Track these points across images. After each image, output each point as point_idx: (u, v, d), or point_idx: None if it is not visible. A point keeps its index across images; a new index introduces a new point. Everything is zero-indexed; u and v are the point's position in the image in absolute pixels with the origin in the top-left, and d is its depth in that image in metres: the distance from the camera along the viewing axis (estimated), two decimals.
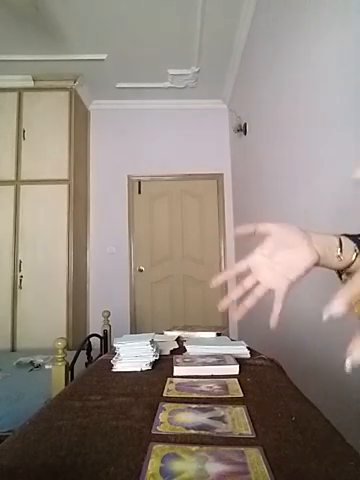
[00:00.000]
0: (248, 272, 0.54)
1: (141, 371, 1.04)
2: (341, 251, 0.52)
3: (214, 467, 0.51)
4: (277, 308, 0.52)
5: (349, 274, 0.55)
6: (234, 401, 0.77)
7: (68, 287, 3.22)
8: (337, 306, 0.36)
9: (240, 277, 0.56)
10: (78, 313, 3.40)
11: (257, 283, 0.54)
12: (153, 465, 0.51)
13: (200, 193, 4.02)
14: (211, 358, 1.07)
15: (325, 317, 0.36)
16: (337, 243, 0.53)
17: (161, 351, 1.20)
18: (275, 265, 0.53)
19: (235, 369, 0.99)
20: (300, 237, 0.52)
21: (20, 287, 3.19)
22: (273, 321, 0.52)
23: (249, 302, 0.54)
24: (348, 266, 0.53)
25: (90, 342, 2.09)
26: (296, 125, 1.87)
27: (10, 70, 3.31)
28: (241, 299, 0.54)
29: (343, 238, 0.54)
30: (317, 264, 0.53)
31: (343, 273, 0.56)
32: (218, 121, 4.04)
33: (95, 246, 3.87)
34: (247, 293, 0.54)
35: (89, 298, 3.79)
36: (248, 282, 0.54)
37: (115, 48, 3.13)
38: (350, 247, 0.53)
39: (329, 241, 0.53)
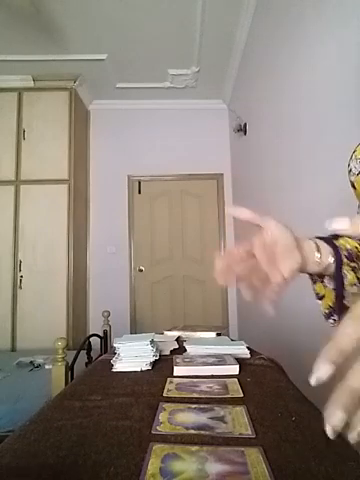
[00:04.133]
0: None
1: (141, 371, 1.04)
2: (320, 256, 0.50)
3: (214, 467, 0.51)
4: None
5: (322, 277, 0.53)
6: (234, 401, 0.77)
7: (68, 287, 3.21)
8: (322, 369, 0.29)
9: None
10: (78, 313, 3.40)
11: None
12: (153, 465, 0.51)
13: (200, 193, 4.02)
14: (211, 358, 1.07)
15: (313, 383, 0.29)
16: (314, 247, 0.50)
17: (161, 351, 1.20)
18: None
19: (235, 369, 0.99)
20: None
21: (20, 287, 3.19)
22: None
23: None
24: (323, 270, 0.51)
25: (90, 342, 2.08)
26: (296, 125, 1.87)
27: (10, 70, 3.31)
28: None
29: (319, 241, 0.52)
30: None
31: (314, 276, 0.53)
32: (218, 121, 4.04)
33: (95, 246, 3.86)
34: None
35: (89, 298, 3.78)
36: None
37: (115, 48, 3.12)
38: (326, 251, 0.51)
39: (308, 245, 0.51)
